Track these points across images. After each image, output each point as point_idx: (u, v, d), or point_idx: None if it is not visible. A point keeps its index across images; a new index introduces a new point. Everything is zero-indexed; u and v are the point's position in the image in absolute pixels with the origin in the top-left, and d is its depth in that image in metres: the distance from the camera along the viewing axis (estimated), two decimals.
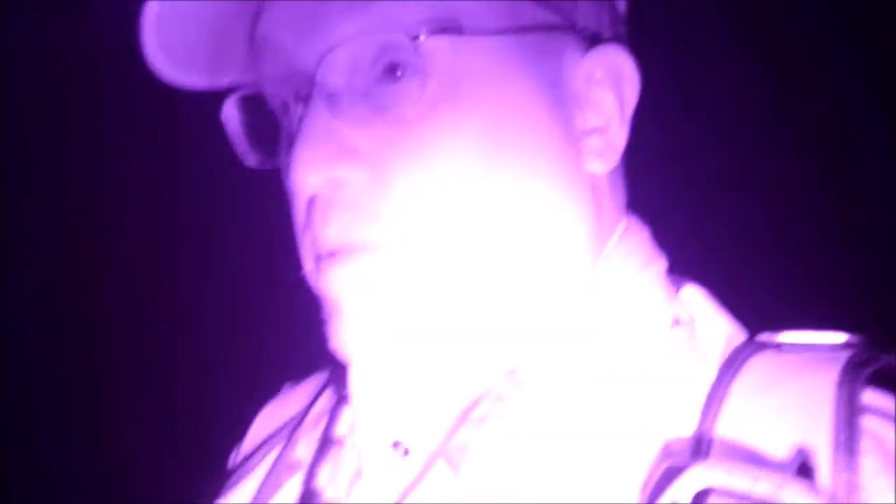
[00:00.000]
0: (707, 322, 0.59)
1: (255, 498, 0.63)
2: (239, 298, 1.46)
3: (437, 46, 0.53)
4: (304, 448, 0.64)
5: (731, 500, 0.46)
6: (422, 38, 0.52)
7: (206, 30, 0.58)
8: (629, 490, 0.51)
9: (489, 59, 0.54)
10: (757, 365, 0.55)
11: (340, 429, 0.63)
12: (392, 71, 0.53)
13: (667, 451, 0.52)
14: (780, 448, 0.50)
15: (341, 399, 0.63)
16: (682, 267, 0.62)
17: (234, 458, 0.73)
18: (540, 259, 0.56)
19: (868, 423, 0.49)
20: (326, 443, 0.62)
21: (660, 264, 0.61)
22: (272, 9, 0.56)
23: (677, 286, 0.61)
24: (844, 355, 0.54)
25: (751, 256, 1.28)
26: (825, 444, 0.49)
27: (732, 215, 1.32)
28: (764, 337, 0.59)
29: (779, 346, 0.57)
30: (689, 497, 0.46)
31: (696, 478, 0.47)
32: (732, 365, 0.55)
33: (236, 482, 0.67)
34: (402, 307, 0.54)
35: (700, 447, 0.51)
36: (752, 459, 0.50)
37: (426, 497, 0.55)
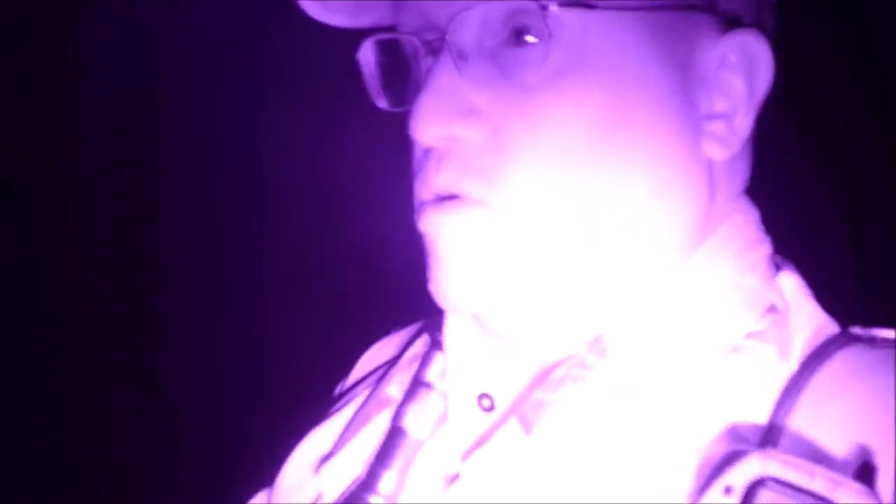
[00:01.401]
0: (799, 311, 0.58)
1: (346, 429, 0.67)
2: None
3: (566, 17, 0.54)
4: (395, 387, 0.67)
5: (785, 492, 0.46)
6: (553, 7, 0.53)
7: None
8: (690, 470, 0.52)
9: (618, 35, 0.55)
10: (843, 358, 0.55)
11: (432, 373, 0.65)
12: (519, 35, 0.54)
13: (732, 435, 0.53)
14: (846, 446, 0.49)
15: (435, 344, 0.66)
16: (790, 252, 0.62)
17: (339, 390, 0.77)
18: (641, 235, 0.56)
19: None
20: (417, 384, 0.65)
21: (763, 248, 0.60)
22: None
23: (778, 271, 0.60)
24: None
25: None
26: (892, 449, 0.48)
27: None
28: (857, 330, 0.58)
29: (871, 340, 0.56)
30: (743, 484, 0.47)
31: (753, 465, 0.47)
32: (819, 356, 0.55)
33: (333, 413, 0.70)
34: (501, 264, 0.56)
35: (770, 436, 0.52)
36: (817, 454, 0.50)
37: (495, 452, 0.57)
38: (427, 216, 0.57)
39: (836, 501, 0.45)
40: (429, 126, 0.55)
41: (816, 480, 0.46)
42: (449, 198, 0.56)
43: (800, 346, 0.56)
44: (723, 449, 0.50)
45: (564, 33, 0.54)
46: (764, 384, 0.54)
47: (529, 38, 0.54)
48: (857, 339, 0.57)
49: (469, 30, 0.55)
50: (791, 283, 0.60)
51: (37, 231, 1.58)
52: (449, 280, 0.57)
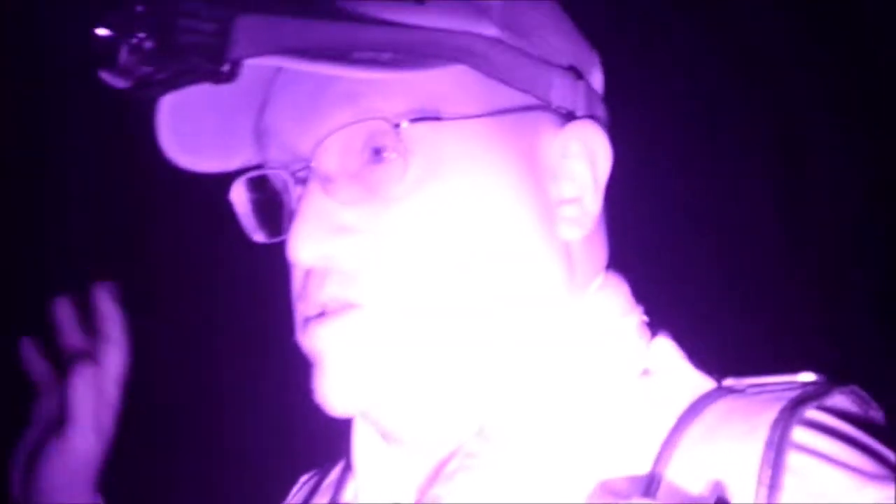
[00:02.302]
0: (674, 373, 0.62)
1: None
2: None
3: (418, 132, 0.59)
4: None
5: None
6: (403, 125, 0.59)
7: (218, 122, 0.65)
8: None
9: (467, 141, 0.60)
10: (714, 410, 0.58)
11: (347, 494, 0.68)
12: (378, 154, 0.59)
13: (613, 492, 0.56)
14: (706, 487, 0.53)
15: (349, 466, 0.68)
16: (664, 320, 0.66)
17: None
18: (513, 321, 0.60)
19: (794, 460, 0.52)
20: None
21: (636, 316, 0.64)
22: (276, 101, 0.63)
23: (652, 337, 0.64)
24: (794, 394, 0.56)
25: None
26: (751, 481, 0.52)
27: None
28: (730, 382, 0.62)
29: (742, 391, 0.60)
30: None
31: None
32: (693, 410, 0.59)
33: None
34: (382, 361, 0.59)
35: (649, 489, 0.55)
36: (686, 498, 0.53)
37: None
38: (310, 330, 0.60)
39: None
40: (305, 248, 0.59)
41: None
42: (329, 310, 0.59)
43: (679, 404, 0.59)
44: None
45: (420, 147, 0.59)
46: (644, 443, 0.57)
47: (389, 156, 0.59)
48: (729, 391, 0.60)
49: (332, 156, 0.60)
50: (665, 347, 0.64)
51: None
52: (331, 384, 0.60)
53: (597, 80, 0.68)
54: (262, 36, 0.56)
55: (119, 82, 0.58)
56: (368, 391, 0.59)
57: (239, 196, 0.65)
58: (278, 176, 0.63)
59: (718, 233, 1.38)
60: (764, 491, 0.51)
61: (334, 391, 0.59)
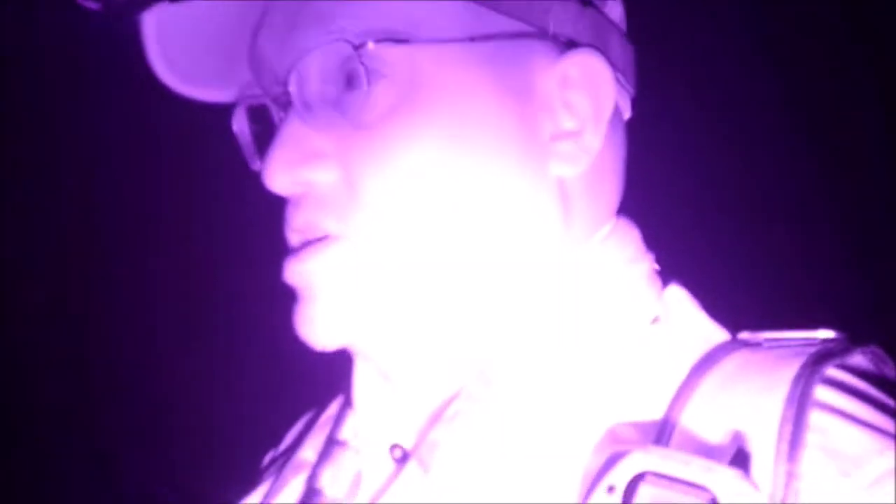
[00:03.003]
0: (686, 322, 0.60)
1: (265, 497, 0.67)
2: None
3: (392, 56, 0.57)
4: (310, 451, 0.68)
5: (662, 483, 0.47)
6: (370, 45, 0.56)
7: (210, 45, 0.62)
8: (579, 478, 0.53)
9: (445, 67, 0.57)
10: (731, 361, 0.57)
11: (345, 431, 0.66)
12: (353, 80, 0.57)
13: (621, 439, 0.54)
14: (725, 437, 0.51)
15: (347, 403, 0.67)
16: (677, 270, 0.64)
17: (270, 460, 0.77)
18: (497, 256, 0.58)
19: (816, 418, 0.50)
20: (330, 444, 0.66)
21: (646, 263, 0.62)
22: (263, 24, 0.60)
23: (664, 286, 0.62)
24: (813, 350, 0.54)
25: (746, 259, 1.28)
26: (772, 436, 0.50)
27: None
28: (745, 335, 0.60)
29: (758, 344, 0.58)
30: (625, 481, 0.48)
31: (634, 462, 0.49)
32: (707, 361, 0.57)
33: (258, 483, 0.71)
34: (368, 296, 0.57)
35: (661, 436, 0.53)
36: (703, 447, 0.51)
37: (397, 496, 0.58)
38: (289, 265, 0.59)
39: (709, 486, 0.47)
40: (277, 174, 0.58)
41: (691, 468, 0.47)
42: (310, 241, 0.58)
43: (690, 354, 0.58)
44: (605, 451, 0.52)
45: (394, 71, 0.57)
46: (654, 392, 0.56)
47: (359, 81, 0.57)
48: (745, 344, 0.59)
49: (313, 82, 0.58)
50: (678, 296, 0.62)
51: None
52: (315, 318, 0.58)
53: (613, 11, 0.65)
54: None
55: (90, 3, 0.57)
56: (349, 324, 0.58)
57: (240, 125, 0.64)
58: (268, 102, 0.62)
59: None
60: (785, 447, 0.49)
61: (313, 323, 0.58)
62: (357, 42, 0.56)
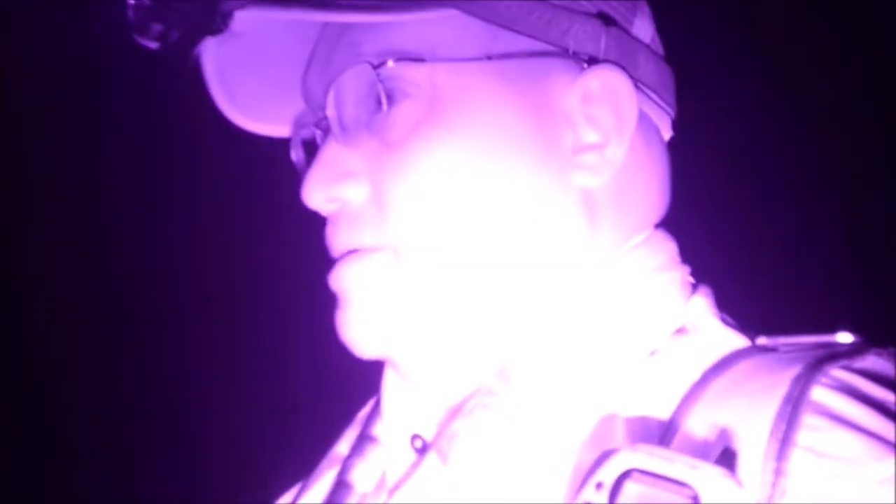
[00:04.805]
0: (705, 329, 0.61)
1: (301, 488, 0.71)
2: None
3: (413, 74, 0.61)
4: (345, 445, 0.71)
5: (647, 480, 0.49)
6: (389, 64, 0.60)
7: (265, 79, 0.66)
8: (578, 477, 0.54)
9: (464, 84, 0.61)
10: (743, 365, 0.58)
11: (378, 427, 0.69)
12: (381, 101, 0.61)
13: (612, 437, 0.56)
14: (715, 435, 0.52)
15: (380, 400, 0.69)
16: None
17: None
18: (523, 261, 0.61)
19: (810, 418, 0.51)
20: (363, 439, 0.69)
21: (676, 273, 0.63)
22: (311, 59, 0.65)
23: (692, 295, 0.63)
24: (823, 352, 0.55)
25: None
26: (764, 434, 0.51)
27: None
28: (762, 341, 0.61)
29: (774, 349, 0.59)
30: (613, 478, 0.50)
31: (621, 460, 0.50)
32: (721, 366, 0.58)
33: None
34: (401, 303, 0.61)
35: (665, 437, 0.55)
36: (698, 446, 0.52)
37: (416, 484, 0.61)
38: (332, 273, 0.63)
39: (692, 484, 0.48)
40: (312, 192, 0.62)
41: (675, 466, 0.49)
42: (347, 253, 0.62)
43: (703, 359, 0.59)
44: (594, 451, 0.53)
45: (417, 90, 0.60)
46: (664, 393, 0.57)
47: (388, 101, 0.60)
48: (762, 349, 0.60)
49: (349, 106, 0.62)
50: (702, 306, 0.63)
51: None
52: (355, 325, 0.62)
53: (643, 31, 0.67)
54: None
55: (148, 44, 0.60)
56: (386, 328, 0.61)
57: (297, 155, 0.68)
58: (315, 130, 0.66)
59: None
60: (775, 445, 0.50)
61: (358, 330, 0.62)
62: (377, 62, 0.60)
